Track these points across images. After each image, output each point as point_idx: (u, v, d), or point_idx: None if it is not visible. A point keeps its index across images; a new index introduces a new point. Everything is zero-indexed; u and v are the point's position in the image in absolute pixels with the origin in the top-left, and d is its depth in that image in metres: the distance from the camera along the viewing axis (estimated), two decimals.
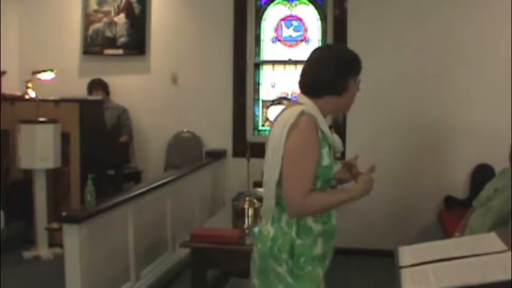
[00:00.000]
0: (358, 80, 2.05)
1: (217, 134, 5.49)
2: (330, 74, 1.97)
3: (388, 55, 5.12)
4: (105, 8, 5.64)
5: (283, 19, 5.48)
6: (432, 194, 5.02)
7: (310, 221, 1.99)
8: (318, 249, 2.00)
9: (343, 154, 5.41)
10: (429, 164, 5.05)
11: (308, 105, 1.97)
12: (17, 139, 4.65)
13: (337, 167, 2.10)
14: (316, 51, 2.07)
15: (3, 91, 4.97)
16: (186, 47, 5.53)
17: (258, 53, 5.50)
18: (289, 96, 5.39)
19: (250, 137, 5.43)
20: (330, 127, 2.00)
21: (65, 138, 4.78)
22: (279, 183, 1.97)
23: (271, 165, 1.97)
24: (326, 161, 1.96)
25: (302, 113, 1.93)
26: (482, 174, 4.79)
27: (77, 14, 5.70)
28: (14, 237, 4.91)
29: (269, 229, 2.03)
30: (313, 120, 1.93)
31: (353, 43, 5.14)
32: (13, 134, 4.80)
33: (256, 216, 3.35)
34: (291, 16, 5.47)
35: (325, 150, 1.96)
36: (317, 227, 2.00)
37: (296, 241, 1.97)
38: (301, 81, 2.04)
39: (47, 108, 4.79)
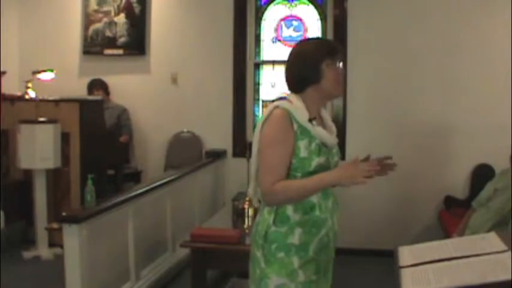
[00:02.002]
0: (335, 63, 2.07)
1: (217, 134, 5.49)
2: (299, 66, 2.07)
3: (388, 55, 5.11)
4: (105, 8, 5.64)
5: (283, 19, 5.48)
6: (432, 194, 5.02)
7: (289, 210, 2.03)
8: (295, 239, 2.02)
9: (343, 154, 5.44)
10: (429, 164, 5.05)
11: (293, 100, 2.05)
12: (17, 139, 4.65)
13: (336, 160, 2.14)
14: (290, 51, 2.16)
15: (3, 91, 4.96)
16: (186, 47, 5.53)
17: (258, 53, 5.50)
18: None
19: (250, 137, 5.42)
20: (311, 120, 2.03)
21: (65, 138, 4.78)
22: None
23: (252, 160, 2.11)
24: (304, 152, 2.01)
25: (276, 108, 2.04)
26: (482, 174, 4.79)
27: (77, 14, 5.70)
28: (14, 237, 4.91)
29: (257, 217, 2.15)
30: (286, 113, 2.01)
31: (353, 43, 5.15)
32: (13, 134, 4.80)
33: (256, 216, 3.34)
34: (291, 16, 5.47)
35: (303, 143, 2.01)
36: (295, 217, 2.03)
37: (271, 227, 2.04)
38: (286, 81, 2.14)
39: (47, 108, 4.79)
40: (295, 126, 2.01)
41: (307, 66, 2.05)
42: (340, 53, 2.11)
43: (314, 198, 2.05)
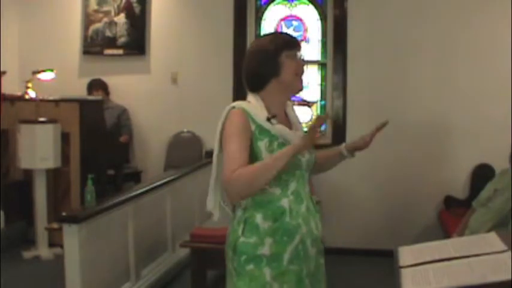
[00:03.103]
0: (294, 54, 2.01)
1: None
2: (258, 61, 2.01)
3: (388, 55, 5.11)
4: (105, 8, 5.63)
5: (283, 19, 5.48)
6: (432, 194, 5.02)
7: (258, 219, 1.93)
8: (265, 250, 1.91)
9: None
10: (429, 163, 5.05)
11: (251, 101, 2.00)
12: (17, 139, 4.65)
13: (308, 157, 2.02)
14: (247, 50, 2.13)
15: (3, 91, 4.96)
16: (186, 47, 5.53)
17: None
18: None
19: None
20: (269, 119, 1.94)
21: (65, 138, 4.78)
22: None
23: (213, 166, 2.07)
24: (265, 153, 1.92)
25: (232, 108, 1.99)
26: (482, 174, 4.79)
27: (77, 14, 5.70)
28: (14, 237, 4.91)
29: (229, 227, 2.04)
30: (243, 113, 1.95)
31: (353, 43, 5.15)
32: (13, 134, 4.80)
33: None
34: (291, 16, 5.47)
35: (263, 143, 1.93)
36: (265, 225, 1.92)
37: (240, 238, 1.94)
38: (245, 81, 2.08)
39: (47, 108, 4.79)
40: (253, 126, 1.94)
41: (265, 59, 1.98)
42: (298, 45, 2.04)
43: (285, 203, 1.94)
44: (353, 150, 2.17)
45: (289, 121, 2.06)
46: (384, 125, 2.11)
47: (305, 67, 2.05)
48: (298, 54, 2.03)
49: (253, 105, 1.98)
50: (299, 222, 1.95)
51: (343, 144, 2.18)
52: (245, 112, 1.95)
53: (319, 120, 1.88)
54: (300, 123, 2.12)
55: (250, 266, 1.92)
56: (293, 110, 2.12)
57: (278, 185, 1.95)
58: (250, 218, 1.94)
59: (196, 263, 3.33)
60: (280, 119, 2.01)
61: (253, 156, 1.92)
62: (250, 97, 2.03)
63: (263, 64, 1.99)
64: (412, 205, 5.07)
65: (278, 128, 1.95)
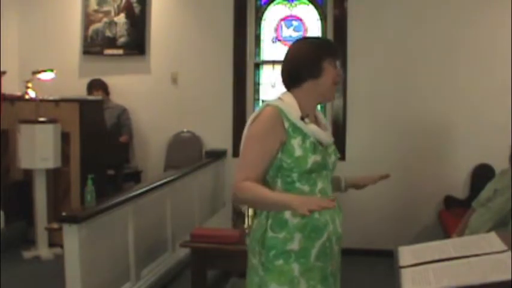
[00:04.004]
0: (336, 65, 2.05)
1: (217, 134, 5.49)
2: (300, 59, 2.03)
3: (388, 55, 5.12)
4: (105, 8, 5.64)
5: (283, 19, 5.48)
6: (432, 194, 5.02)
7: (287, 214, 1.95)
8: (294, 245, 1.95)
9: (343, 154, 5.44)
10: (429, 163, 5.05)
11: (284, 98, 2.03)
12: (17, 139, 4.65)
13: (333, 159, 2.08)
14: (290, 46, 2.13)
15: (3, 91, 4.97)
16: (186, 47, 5.53)
17: (258, 53, 5.50)
18: None
19: None
20: (303, 118, 1.98)
21: (65, 138, 4.78)
22: None
23: None
24: (298, 151, 1.95)
25: (267, 105, 2.01)
26: (482, 174, 4.79)
27: (77, 14, 5.70)
28: (14, 237, 4.91)
29: (255, 222, 2.09)
30: (277, 111, 1.97)
31: (353, 43, 5.15)
32: (13, 134, 4.80)
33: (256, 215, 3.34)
34: (291, 16, 5.47)
35: (296, 141, 1.96)
36: (294, 220, 1.95)
37: (268, 233, 1.96)
38: (282, 76, 2.10)
39: (47, 108, 4.79)
40: (287, 124, 1.97)
41: (308, 60, 2.01)
42: (340, 55, 2.10)
43: None
44: (350, 186, 2.24)
45: (317, 121, 2.11)
46: (386, 176, 2.19)
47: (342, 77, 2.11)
48: (338, 63, 2.07)
49: (287, 103, 2.01)
50: (327, 219, 1.99)
51: (344, 178, 2.24)
52: (279, 110, 1.98)
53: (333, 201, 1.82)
54: (327, 123, 2.16)
55: (280, 261, 1.95)
56: (320, 112, 2.17)
57: (307, 183, 1.99)
58: (278, 213, 1.96)
59: (196, 263, 3.33)
60: (311, 119, 2.05)
61: (287, 153, 1.96)
62: (285, 95, 2.05)
63: (306, 63, 2.02)
64: (412, 205, 5.08)
65: (311, 127, 1.99)
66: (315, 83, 2.02)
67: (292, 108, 1.99)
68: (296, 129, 1.97)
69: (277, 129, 1.96)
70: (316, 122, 2.10)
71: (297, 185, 1.98)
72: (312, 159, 1.96)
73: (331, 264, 2.04)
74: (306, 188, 1.98)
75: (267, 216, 1.99)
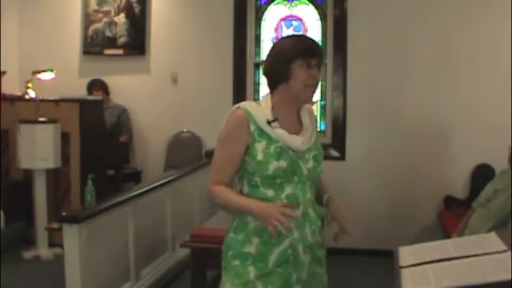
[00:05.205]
0: (308, 65, 1.94)
1: (217, 134, 5.42)
2: (272, 62, 2.00)
3: (388, 55, 5.11)
4: (105, 8, 5.64)
5: (283, 19, 5.48)
6: (432, 194, 5.02)
7: (249, 217, 1.93)
8: (252, 248, 1.93)
9: (343, 154, 5.44)
10: (429, 163, 5.05)
11: (262, 100, 2.02)
12: (17, 139, 4.65)
13: (312, 165, 1.97)
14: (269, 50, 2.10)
15: (3, 91, 4.97)
16: (186, 47, 5.53)
17: (258, 53, 5.50)
18: None
19: None
20: (269, 122, 1.93)
21: (65, 138, 4.78)
22: None
23: None
24: (260, 155, 1.91)
25: (237, 108, 2.00)
26: (482, 174, 4.79)
27: (77, 14, 5.70)
28: (14, 237, 4.91)
29: None
30: (244, 114, 1.95)
31: (353, 43, 5.15)
32: (13, 134, 4.80)
33: None
34: (291, 16, 5.47)
35: (260, 145, 1.92)
36: (253, 224, 1.93)
37: (231, 234, 2.00)
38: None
39: (47, 108, 4.79)
40: (253, 127, 1.93)
41: (279, 63, 1.96)
42: (318, 57, 1.97)
43: None
44: (327, 208, 2.08)
45: (301, 125, 2.02)
46: (347, 234, 2.00)
47: (319, 78, 1.99)
48: (314, 65, 1.96)
49: (261, 106, 1.98)
50: (291, 226, 1.85)
51: (328, 196, 2.09)
52: (247, 113, 1.95)
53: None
54: (314, 129, 2.05)
55: (236, 262, 1.96)
56: (308, 114, 2.06)
57: (271, 187, 1.94)
58: (242, 215, 1.95)
59: (196, 263, 3.33)
60: (288, 123, 1.98)
61: (250, 156, 1.94)
62: (264, 97, 2.04)
63: (276, 67, 1.97)
64: (412, 205, 5.07)
65: (278, 132, 1.93)
66: (286, 86, 1.96)
67: (261, 112, 1.95)
68: (262, 133, 1.94)
69: (242, 132, 1.94)
70: (299, 124, 2.02)
71: (261, 189, 1.94)
72: (274, 165, 1.90)
73: (296, 272, 1.95)
74: (270, 192, 1.94)
75: (234, 218, 2.01)
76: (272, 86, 2.02)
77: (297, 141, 1.94)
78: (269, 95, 2.02)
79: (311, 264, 2.00)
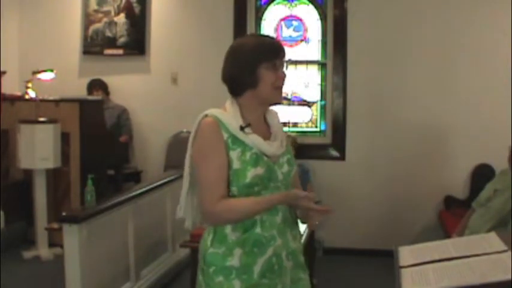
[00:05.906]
0: (275, 65, 1.87)
1: None
2: (235, 69, 1.91)
3: (388, 55, 5.12)
4: (105, 8, 5.63)
5: (283, 19, 5.48)
6: (432, 194, 5.02)
7: (227, 229, 1.84)
8: (235, 261, 1.82)
9: (343, 154, 5.44)
10: (429, 163, 5.05)
11: (227, 106, 1.92)
12: (17, 139, 4.65)
13: (287, 169, 1.92)
14: (227, 51, 2.00)
15: (3, 91, 4.97)
16: (186, 47, 5.53)
17: None
18: (289, 97, 5.39)
19: None
20: (242, 128, 1.85)
21: (65, 138, 4.78)
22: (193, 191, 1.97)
23: (184, 177, 1.99)
24: (236, 164, 1.82)
25: (205, 116, 1.90)
26: (482, 174, 4.80)
27: (77, 14, 5.70)
28: (14, 237, 4.91)
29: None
30: (216, 122, 1.86)
31: (353, 43, 5.15)
32: (13, 134, 4.80)
33: None
34: (291, 16, 5.47)
35: (235, 153, 1.83)
36: (233, 236, 1.83)
37: (209, 249, 1.86)
38: (223, 82, 2.00)
39: (47, 108, 4.79)
40: (225, 135, 1.84)
41: (243, 69, 1.87)
42: (281, 55, 1.90)
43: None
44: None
45: (269, 130, 1.95)
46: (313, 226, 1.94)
47: (286, 77, 1.92)
48: (279, 63, 1.89)
49: (228, 112, 1.89)
50: (273, 233, 1.84)
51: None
52: (217, 121, 1.86)
53: (319, 212, 1.82)
54: (283, 133, 1.99)
55: (220, 278, 1.83)
56: (276, 118, 1.99)
57: (250, 196, 1.85)
58: (219, 228, 1.86)
59: (196, 263, 3.32)
60: (258, 128, 1.90)
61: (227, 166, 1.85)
62: (228, 103, 1.93)
63: (241, 74, 1.89)
64: (412, 205, 5.08)
65: (252, 138, 1.85)
66: (254, 92, 1.88)
67: (231, 118, 1.87)
68: (236, 140, 1.84)
69: (220, 140, 1.84)
70: (267, 129, 1.95)
71: (237, 198, 1.85)
72: (252, 172, 1.82)
73: (280, 281, 1.87)
74: None
75: (209, 231, 1.89)
76: (236, 92, 1.92)
77: (272, 147, 1.88)
78: (234, 100, 1.92)
79: (294, 270, 1.93)
